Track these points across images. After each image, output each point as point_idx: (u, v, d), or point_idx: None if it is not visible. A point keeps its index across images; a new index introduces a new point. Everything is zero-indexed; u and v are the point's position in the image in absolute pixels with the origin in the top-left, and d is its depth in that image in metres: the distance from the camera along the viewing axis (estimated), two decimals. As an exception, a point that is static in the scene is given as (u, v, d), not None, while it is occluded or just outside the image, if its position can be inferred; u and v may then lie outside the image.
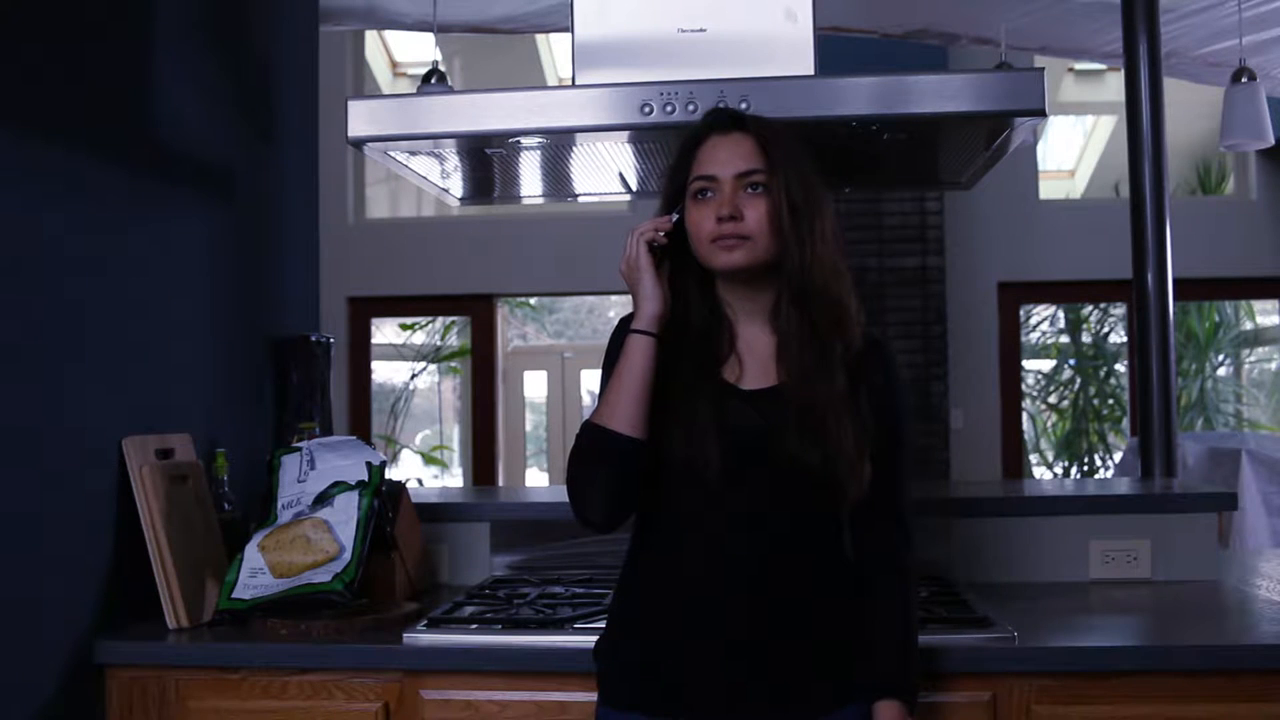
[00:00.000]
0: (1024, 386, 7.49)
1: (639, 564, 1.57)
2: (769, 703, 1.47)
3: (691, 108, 1.83)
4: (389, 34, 7.79)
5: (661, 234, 1.50)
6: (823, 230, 1.49)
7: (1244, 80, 3.68)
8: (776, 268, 1.51)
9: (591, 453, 1.49)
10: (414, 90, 3.26)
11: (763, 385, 1.52)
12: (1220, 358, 8.65)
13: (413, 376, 8.81)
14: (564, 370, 9.22)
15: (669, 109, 1.84)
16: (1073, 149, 8.70)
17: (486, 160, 2.07)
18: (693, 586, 1.50)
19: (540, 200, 2.45)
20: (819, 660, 1.49)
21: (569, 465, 1.52)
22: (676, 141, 1.93)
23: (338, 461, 2.08)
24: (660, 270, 1.51)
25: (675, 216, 1.52)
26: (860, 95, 1.82)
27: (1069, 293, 7.36)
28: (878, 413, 1.51)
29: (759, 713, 1.47)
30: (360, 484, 2.03)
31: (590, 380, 8.84)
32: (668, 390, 1.49)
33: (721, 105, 1.58)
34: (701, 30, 1.99)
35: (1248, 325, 8.81)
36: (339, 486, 2.03)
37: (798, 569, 1.50)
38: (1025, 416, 7.47)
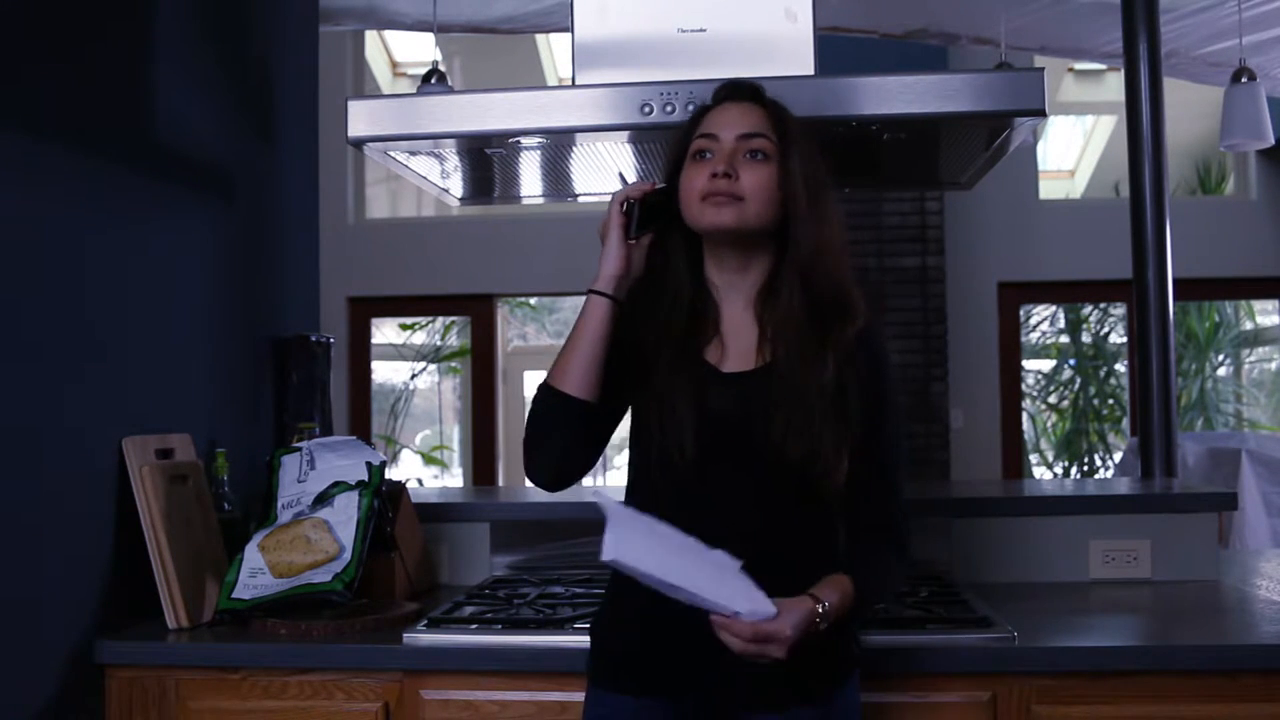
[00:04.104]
0: (1024, 386, 7.49)
1: None
2: (753, 689, 1.46)
3: (691, 107, 1.82)
4: (389, 34, 7.79)
5: (637, 194, 1.49)
6: (833, 215, 1.49)
7: (1244, 80, 3.68)
8: (768, 244, 1.50)
9: (543, 414, 1.50)
10: (414, 90, 3.26)
11: (743, 369, 1.50)
12: (1220, 358, 8.65)
13: (413, 376, 8.81)
14: (564, 370, 9.19)
15: (669, 109, 1.84)
16: (1073, 149, 8.70)
17: (486, 160, 2.07)
18: None
19: (540, 200, 2.45)
20: (805, 651, 1.48)
21: (526, 425, 1.52)
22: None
23: (338, 461, 2.08)
24: (637, 237, 1.51)
25: (661, 184, 1.51)
26: (860, 95, 1.82)
27: (1069, 293, 7.36)
28: (866, 405, 1.48)
29: (742, 698, 1.46)
30: (360, 484, 2.03)
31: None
32: (648, 371, 1.49)
33: (739, 79, 1.57)
34: (701, 30, 1.99)
35: (1248, 325, 8.81)
36: (339, 486, 2.03)
37: (780, 557, 1.47)
38: (1025, 416, 7.47)
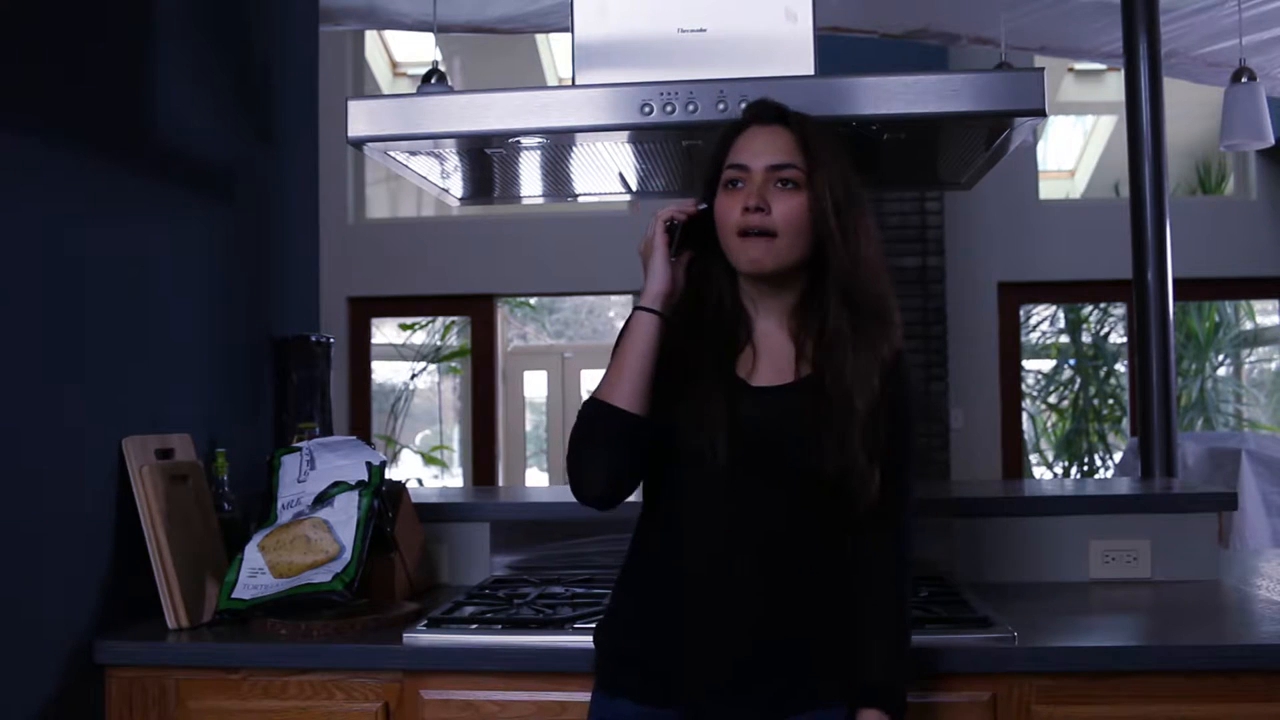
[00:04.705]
0: (1024, 386, 7.49)
1: (641, 555, 1.57)
2: (761, 698, 1.46)
3: (691, 108, 1.83)
4: (389, 34, 7.80)
5: (682, 215, 1.51)
6: (866, 229, 1.49)
7: (1244, 80, 3.68)
8: (805, 267, 1.51)
9: (592, 429, 1.49)
10: (414, 90, 3.26)
11: (775, 383, 1.51)
12: (1220, 358, 8.65)
13: (413, 376, 8.81)
14: (564, 370, 9.23)
15: (669, 109, 1.84)
16: (1073, 149, 8.70)
17: (486, 160, 2.07)
18: (694, 581, 1.49)
19: (540, 200, 2.45)
20: (816, 658, 1.48)
21: (570, 441, 1.51)
22: (676, 141, 1.95)
23: (338, 461, 2.08)
24: (678, 256, 1.51)
25: (703, 205, 1.53)
26: (860, 95, 1.82)
27: (1069, 293, 7.36)
28: (890, 422, 1.49)
29: (749, 707, 1.46)
30: (360, 484, 2.03)
31: (590, 380, 8.82)
32: (680, 381, 1.49)
33: (765, 99, 1.57)
34: (701, 30, 1.99)
35: (1248, 325, 8.82)
36: (339, 486, 2.03)
37: (800, 567, 1.49)
38: (1025, 416, 7.47)
